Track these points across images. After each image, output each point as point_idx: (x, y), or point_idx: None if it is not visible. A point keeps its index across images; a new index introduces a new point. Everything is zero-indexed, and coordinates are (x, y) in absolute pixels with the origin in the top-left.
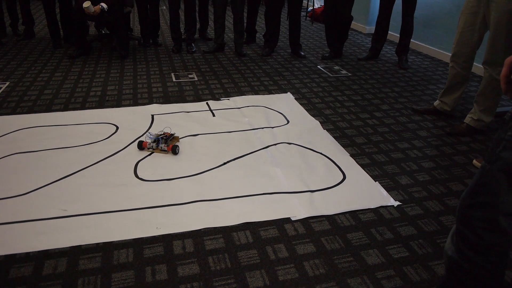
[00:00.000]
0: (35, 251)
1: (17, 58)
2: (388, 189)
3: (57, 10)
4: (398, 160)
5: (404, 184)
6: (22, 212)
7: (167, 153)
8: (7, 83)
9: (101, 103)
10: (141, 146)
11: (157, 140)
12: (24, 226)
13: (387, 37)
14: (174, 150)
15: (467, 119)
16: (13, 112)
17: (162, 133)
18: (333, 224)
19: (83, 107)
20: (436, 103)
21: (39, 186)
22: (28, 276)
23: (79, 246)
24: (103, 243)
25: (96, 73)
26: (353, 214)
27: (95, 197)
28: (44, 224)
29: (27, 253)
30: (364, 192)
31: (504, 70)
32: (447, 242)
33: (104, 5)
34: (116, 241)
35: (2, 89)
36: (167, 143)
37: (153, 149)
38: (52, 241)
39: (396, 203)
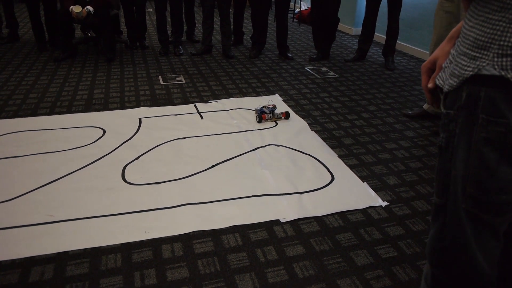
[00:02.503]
0: (21, 258)
1: (1, 62)
2: (376, 190)
3: (42, 13)
4: (386, 160)
5: (392, 184)
6: (8, 219)
7: (281, 119)
8: None
9: (88, 107)
10: (261, 119)
11: (271, 110)
12: (10, 233)
13: (374, 39)
14: (288, 115)
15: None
16: None
17: (268, 106)
18: (322, 225)
19: (69, 111)
20: (426, 106)
21: (25, 191)
22: (14, 283)
23: (66, 252)
24: (91, 248)
25: (83, 77)
26: (342, 215)
27: (82, 202)
28: (30, 230)
29: (13, 260)
30: (352, 193)
31: (424, 79)
32: (422, 285)
33: (90, 8)
34: (104, 246)
35: None
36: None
37: (271, 117)
38: (38, 248)
39: (384, 204)
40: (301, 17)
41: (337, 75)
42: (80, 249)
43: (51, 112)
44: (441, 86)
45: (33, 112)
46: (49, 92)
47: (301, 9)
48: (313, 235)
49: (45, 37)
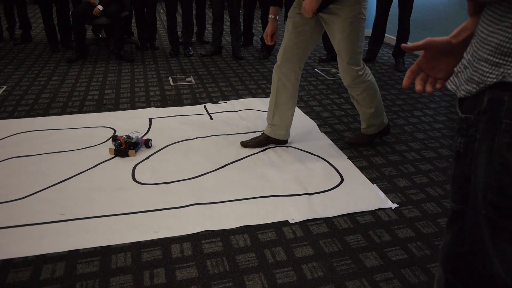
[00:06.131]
0: (33, 256)
1: (14, 62)
2: (385, 192)
3: (54, 14)
4: (396, 162)
5: (401, 186)
6: (20, 216)
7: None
8: (4, 87)
9: (99, 107)
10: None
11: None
12: (22, 231)
13: (384, 40)
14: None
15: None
16: (11, 116)
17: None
18: (331, 227)
19: (80, 111)
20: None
21: (37, 190)
22: (25, 280)
23: (77, 250)
24: (101, 247)
25: (94, 77)
26: (351, 216)
27: (93, 201)
28: (41, 228)
29: (25, 258)
30: (362, 195)
31: (404, 81)
32: None
33: (100, 6)
34: (114, 245)
35: None
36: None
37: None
38: (50, 246)
39: (394, 206)
40: None
41: None
42: (91, 248)
43: (63, 112)
44: (453, 91)
45: (45, 112)
46: (60, 92)
47: None
48: (322, 237)
49: (57, 38)
